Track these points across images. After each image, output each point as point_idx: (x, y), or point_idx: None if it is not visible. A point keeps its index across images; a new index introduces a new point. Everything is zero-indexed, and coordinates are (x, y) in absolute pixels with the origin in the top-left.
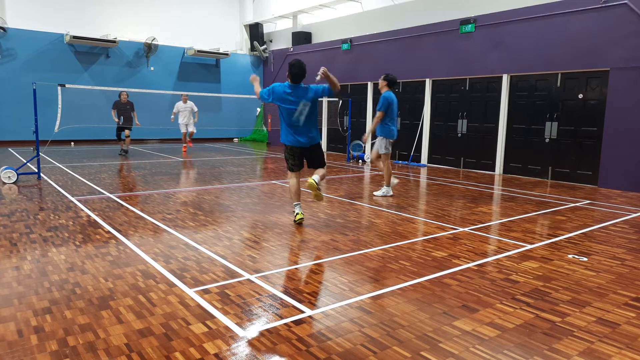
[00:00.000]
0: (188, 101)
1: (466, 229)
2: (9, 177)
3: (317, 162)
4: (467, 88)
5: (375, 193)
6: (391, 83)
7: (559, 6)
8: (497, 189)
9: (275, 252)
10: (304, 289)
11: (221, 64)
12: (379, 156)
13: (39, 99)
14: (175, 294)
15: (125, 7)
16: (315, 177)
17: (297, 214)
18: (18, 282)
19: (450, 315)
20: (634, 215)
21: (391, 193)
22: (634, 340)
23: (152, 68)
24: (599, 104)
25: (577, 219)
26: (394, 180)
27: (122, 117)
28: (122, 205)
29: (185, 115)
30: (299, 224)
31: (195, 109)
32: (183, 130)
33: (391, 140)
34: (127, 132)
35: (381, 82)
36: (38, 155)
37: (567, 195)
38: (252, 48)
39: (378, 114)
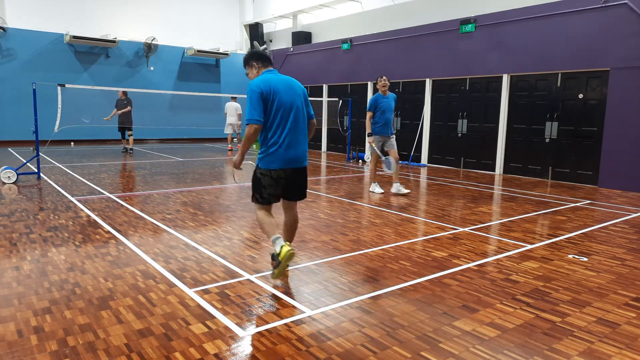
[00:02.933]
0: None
1: (466, 229)
2: (9, 177)
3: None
4: (467, 88)
5: (371, 189)
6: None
7: (559, 6)
8: (497, 189)
9: None
10: (304, 289)
11: (221, 64)
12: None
13: (39, 99)
14: (175, 294)
15: (125, 7)
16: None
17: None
18: (18, 282)
19: (450, 315)
20: (634, 215)
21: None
22: (634, 340)
23: (152, 68)
24: (599, 104)
25: (577, 219)
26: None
27: (120, 115)
28: (122, 205)
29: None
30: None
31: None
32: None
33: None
34: (129, 132)
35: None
36: (38, 155)
37: (567, 195)
38: (252, 48)
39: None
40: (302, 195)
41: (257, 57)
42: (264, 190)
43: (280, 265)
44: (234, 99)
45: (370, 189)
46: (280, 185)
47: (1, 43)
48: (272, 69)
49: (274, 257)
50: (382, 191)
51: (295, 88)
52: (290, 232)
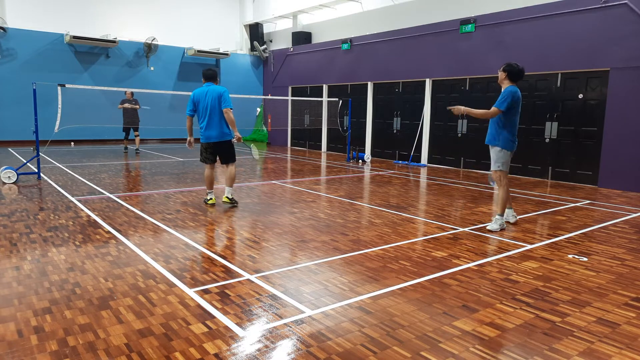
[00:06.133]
0: None
1: (466, 229)
2: (9, 177)
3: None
4: (467, 88)
5: (488, 227)
6: (512, 75)
7: (559, 6)
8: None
9: (275, 252)
10: (304, 289)
11: (221, 64)
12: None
13: (39, 99)
14: (175, 294)
15: (125, 7)
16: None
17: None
18: (18, 282)
19: (450, 315)
20: (634, 215)
21: (505, 226)
22: (634, 340)
23: (152, 68)
24: (599, 104)
25: (577, 219)
26: (510, 215)
27: (127, 114)
28: (122, 205)
29: None
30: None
31: None
32: None
33: (510, 153)
34: (136, 132)
35: (501, 74)
36: (38, 155)
37: (567, 195)
38: (252, 48)
39: (493, 109)
40: (227, 160)
41: (203, 77)
42: (202, 154)
43: (206, 204)
44: None
45: (494, 226)
46: (209, 152)
47: (1, 43)
48: (209, 82)
49: (205, 200)
50: (504, 228)
51: (214, 94)
52: (228, 181)
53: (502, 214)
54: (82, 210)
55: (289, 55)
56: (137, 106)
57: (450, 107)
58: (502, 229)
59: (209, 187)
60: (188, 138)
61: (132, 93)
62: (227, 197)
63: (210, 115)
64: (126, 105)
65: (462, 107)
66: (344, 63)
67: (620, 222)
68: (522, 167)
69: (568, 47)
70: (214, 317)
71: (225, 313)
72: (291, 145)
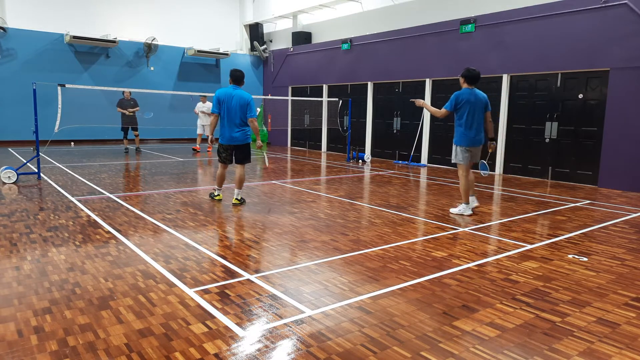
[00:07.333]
0: (207, 102)
1: (466, 229)
2: (9, 177)
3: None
4: None
5: (450, 209)
6: (468, 79)
7: (559, 6)
8: (497, 189)
9: (275, 252)
10: (304, 289)
11: (221, 64)
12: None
13: (39, 99)
14: (175, 294)
15: (125, 7)
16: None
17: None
18: (18, 282)
19: (450, 315)
20: (634, 215)
21: (469, 212)
22: (634, 340)
23: (152, 68)
24: (599, 104)
25: (577, 219)
26: (473, 201)
27: (125, 114)
28: (122, 205)
29: (204, 116)
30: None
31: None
32: (200, 131)
33: (465, 148)
34: (135, 132)
35: (460, 79)
36: (38, 155)
37: (567, 195)
38: (252, 48)
39: (442, 110)
40: (242, 160)
41: (230, 77)
42: (220, 154)
43: (212, 199)
44: (204, 99)
45: (454, 210)
46: (227, 153)
47: (1, 43)
48: (234, 85)
49: (212, 195)
50: (466, 214)
51: (239, 99)
52: (238, 183)
53: (466, 202)
54: (82, 210)
55: (289, 55)
56: (137, 108)
57: (412, 99)
58: (462, 214)
59: (219, 185)
60: (210, 136)
61: (130, 93)
62: (236, 199)
63: (233, 119)
64: (126, 111)
65: (422, 101)
66: (344, 63)
67: (620, 222)
68: (522, 167)
69: (568, 47)
70: (214, 317)
71: (225, 313)
72: (291, 145)
